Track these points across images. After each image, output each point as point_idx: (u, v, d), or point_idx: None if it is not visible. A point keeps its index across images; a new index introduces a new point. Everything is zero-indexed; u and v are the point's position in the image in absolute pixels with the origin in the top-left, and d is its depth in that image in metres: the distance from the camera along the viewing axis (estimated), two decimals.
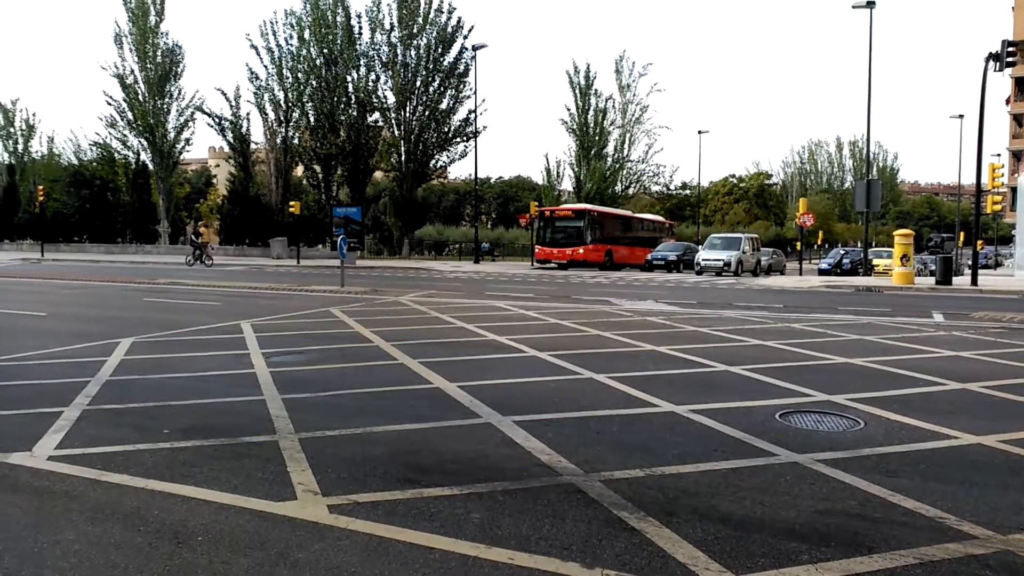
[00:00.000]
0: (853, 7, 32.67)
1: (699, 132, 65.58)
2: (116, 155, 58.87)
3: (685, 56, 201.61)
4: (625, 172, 65.00)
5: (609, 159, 63.39)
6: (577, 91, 61.77)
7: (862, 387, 7.89)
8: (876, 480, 4.90)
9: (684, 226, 69.13)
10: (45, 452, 5.41)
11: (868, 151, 37.35)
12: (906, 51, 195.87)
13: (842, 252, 45.22)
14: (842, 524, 4.18)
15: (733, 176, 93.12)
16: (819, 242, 71.23)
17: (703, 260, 34.66)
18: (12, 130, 66.40)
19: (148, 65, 54.48)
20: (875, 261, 37.84)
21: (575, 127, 62.26)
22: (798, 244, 43.36)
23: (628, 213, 49.15)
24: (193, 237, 37.92)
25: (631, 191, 67.48)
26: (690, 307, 17.29)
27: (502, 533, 4.00)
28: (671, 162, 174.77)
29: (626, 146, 64.19)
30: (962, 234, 63.37)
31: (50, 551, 3.78)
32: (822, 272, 40.35)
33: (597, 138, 62.36)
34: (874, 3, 32.10)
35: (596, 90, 61.98)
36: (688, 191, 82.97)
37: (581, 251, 38.54)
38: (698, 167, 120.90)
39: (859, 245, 50.82)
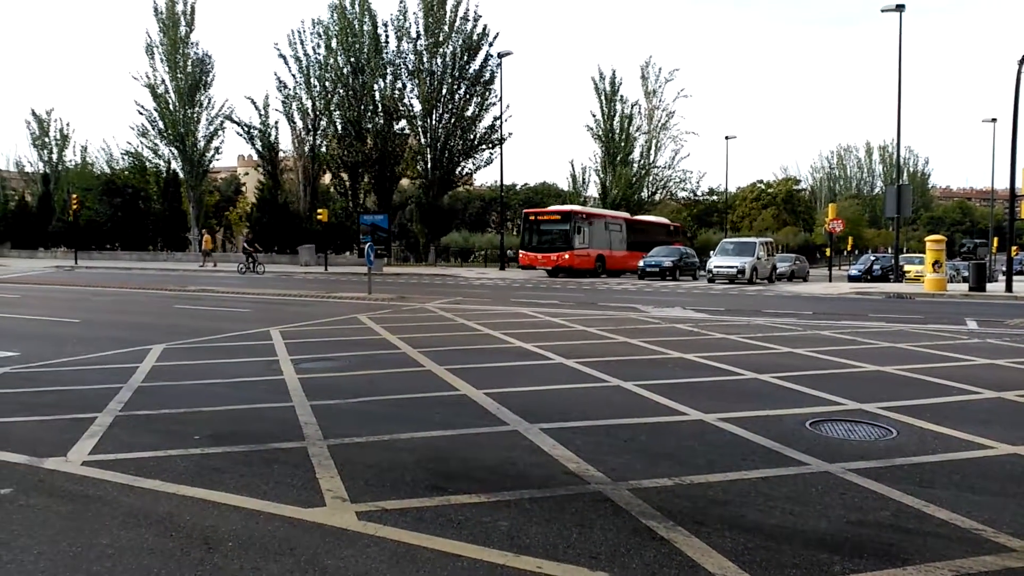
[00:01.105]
0: (882, 11, 32.36)
1: (726, 138, 65.53)
2: (147, 164, 59.76)
3: (712, 61, 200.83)
4: (651, 178, 64.79)
5: (635, 165, 63.25)
6: (602, 97, 61.81)
7: (894, 395, 7.78)
8: (909, 490, 4.83)
9: (712, 232, 68.63)
10: (79, 457, 5.49)
11: (898, 156, 36.98)
12: (937, 54, 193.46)
13: (872, 258, 44.66)
14: (875, 535, 4.12)
15: (761, 182, 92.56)
16: (849, 248, 70.48)
17: (715, 267, 32.98)
18: (47, 140, 67.71)
19: (178, 75, 55.24)
20: (906, 267, 37.37)
21: (600, 133, 62.28)
22: (827, 250, 42.84)
23: (624, 215, 46.49)
24: (246, 245, 38.37)
25: (657, 197, 67.17)
26: (718, 314, 17.17)
27: (530, 541, 4.00)
28: (698, 168, 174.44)
29: (652, 152, 64.03)
30: (996, 240, 62.33)
31: (85, 555, 3.83)
32: (852, 278, 39.86)
33: (623, 144, 62.29)
34: (904, 6, 31.77)
35: (622, 96, 62.03)
36: (715, 197, 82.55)
37: (567, 256, 36.00)
38: (725, 173, 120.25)
39: (890, 251, 50.16)
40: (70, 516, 4.38)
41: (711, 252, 37.65)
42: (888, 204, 31.62)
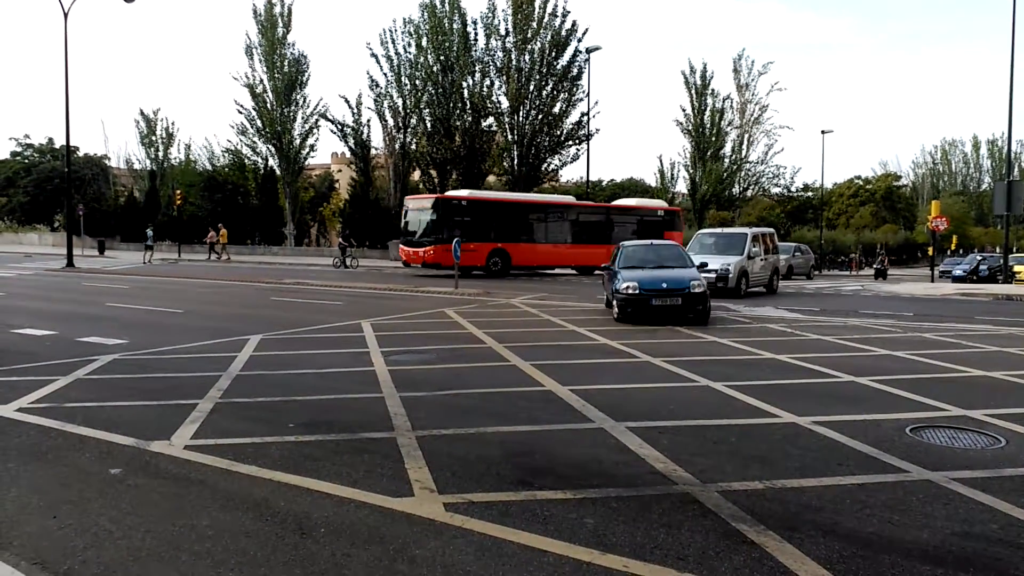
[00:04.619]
0: None
1: (822, 132, 62.96)
2: (246, 161, 62.06)
3: (808, 52, 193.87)
4: (743, 174, 63.31)
5: (726, 160, 61.96)
6: (693, 91, 60.81)
7: (1002, 402, 7.38)
8: (1020, 503, 4.57)
9: (806, 230, 66.53)
10: (182, 441, 5.75)
11: (1009, 149, 34.99)
12: None
13: (979, 258, 42.47)
14: (981, 549, 3.92)
15: (859, 177, 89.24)
16: (952, 247, 67.23)
17: None
18: (154, 138, 71.11)
19: (276, 75, 57.07)
20: (1016, 268, 35.34)
21: (690, 128, 61.29)
22: (930, 249, 40.85)
23: (567, 199, 37.83)
24: (341, 240, 39.18)
25: (749, 193, 65.63)
26: (812, 314, 16.64)
27: (616, 540, 3.97)
28: (792, 163, 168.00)
29: (744, 147, 62.57)
30: None
31: (186, 535, 4.01)
32: (956, 279, 38.00)
33: (713, 139, 61.14)
34: None
35: (713, 90, 60.89)
36: (810, 193, 79.97)
37: (432, 251, 29.86)
38: (821, 168, 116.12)
39: (998, 251, 47.60)
40: (173, 497, 4.60)
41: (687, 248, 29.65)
42: (997, 201, 29.95)
